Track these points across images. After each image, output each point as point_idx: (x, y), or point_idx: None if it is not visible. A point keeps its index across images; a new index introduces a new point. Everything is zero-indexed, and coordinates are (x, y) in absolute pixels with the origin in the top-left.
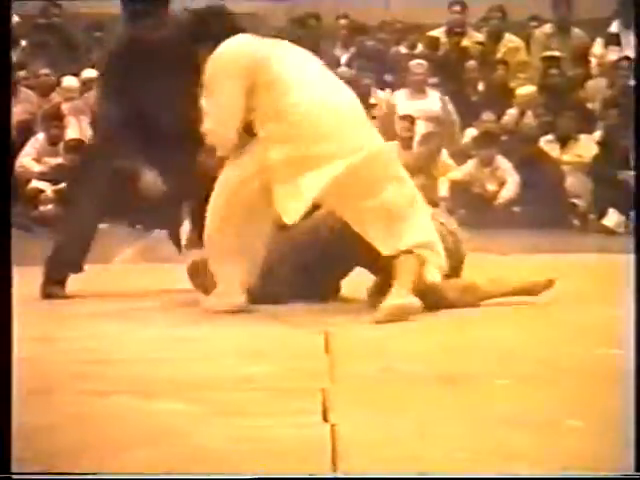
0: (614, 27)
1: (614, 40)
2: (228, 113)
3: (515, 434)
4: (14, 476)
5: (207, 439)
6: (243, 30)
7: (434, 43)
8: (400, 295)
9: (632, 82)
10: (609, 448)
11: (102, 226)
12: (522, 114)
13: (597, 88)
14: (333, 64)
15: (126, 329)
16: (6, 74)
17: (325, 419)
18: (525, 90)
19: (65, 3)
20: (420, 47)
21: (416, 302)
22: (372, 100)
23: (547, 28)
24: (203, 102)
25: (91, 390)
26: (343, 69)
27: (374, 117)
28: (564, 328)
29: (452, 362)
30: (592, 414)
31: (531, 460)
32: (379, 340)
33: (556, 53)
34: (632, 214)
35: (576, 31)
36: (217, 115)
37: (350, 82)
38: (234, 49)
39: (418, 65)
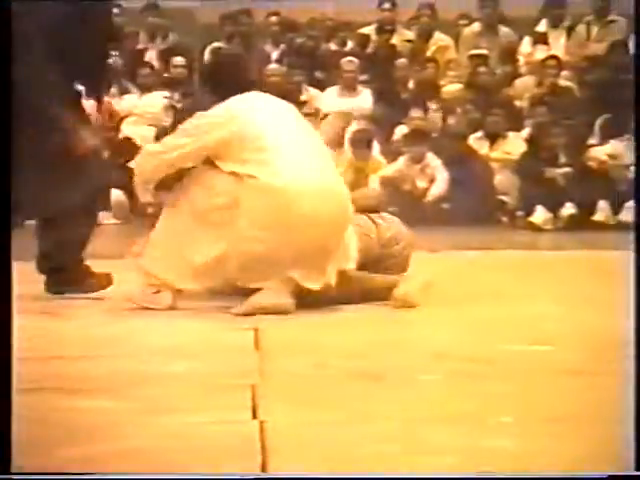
0: (542, 26)
1: (542, 39)
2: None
3: (444, 429)
4: (14, 476)
5: (136, 436)
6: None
7: (364, 40)
8: (271, 296)
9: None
10: (540, 445)
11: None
12: (451, 112)
13: (525, 86)
14: (264, 61)
15: (53, 326)
16: (6, 73)
17: (254, 416)
18: (452, 88)
19: None
20: (350, 44)
21: (288, 303)
22: (303, 97)
23: (475, 27)
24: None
25: (15, 387)
26: (274, 66)
27: (306, 114)
28: (494, 325)
29: (382, 358)
30: (522, 410)
31: (459, 455)
32: (310, 336)
33: (483, 51)
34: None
35: (504, 30)
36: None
37: (281, 79)
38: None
39: (349, 62)
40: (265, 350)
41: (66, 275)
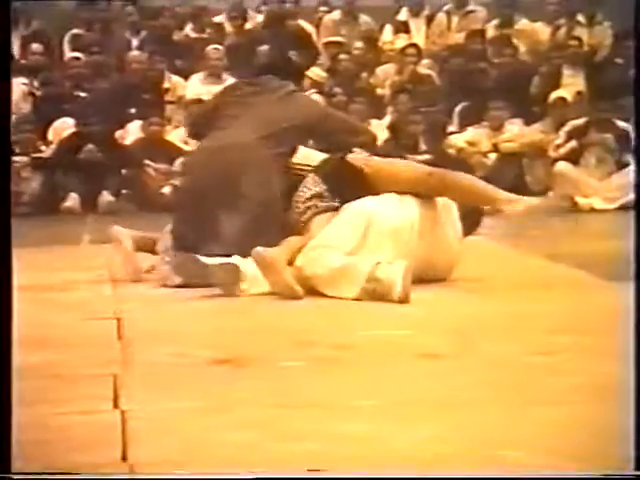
0: (403, 15)
1: (402, 27)
2: None
3: (303, 416)
4: (14, 476)
5: None
6: None
7: (220, 28)
8: None
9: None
10: (396, 428)
11: None
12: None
13: (386, 74)
14: (125, 48)
15: None
16: (6, 73)
17: (116, 406)
18: (316, 72)
19: None
20: (208, 31)
21: None
22: (166, 85)
23: (336, 14)
24: None
25: None
26: (135, 53)
27: (171, 102)
28: (360, 313)
29: (244, 346)
30: (386, 396)
31: (317, 441)
32: (172, 325)
33: (338, 39)
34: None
35: (365, 18)
36: None
37: (143, 66)
38: None
39: (215, 50)
40: (128, 339)
41: None
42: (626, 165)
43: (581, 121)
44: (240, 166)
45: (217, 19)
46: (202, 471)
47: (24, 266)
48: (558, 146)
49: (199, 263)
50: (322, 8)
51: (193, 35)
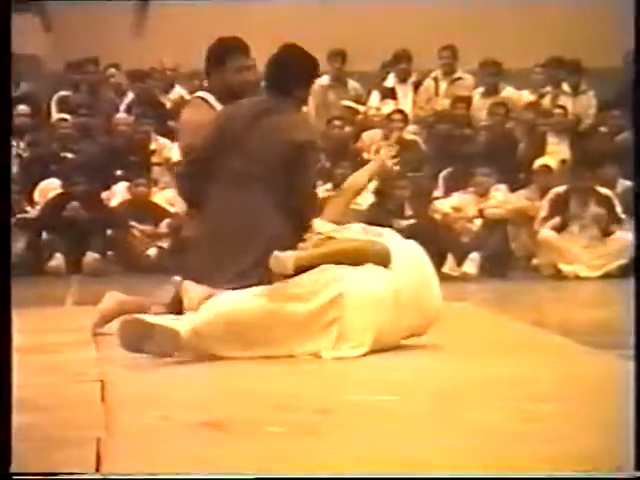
0: (390, 81)
1: (390, 93)
2: None
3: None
4: (14, 476)
5: None
6: None
7: None
8: None
9: (407, 134)
10: None
11: None
12: None
13: (372, 139)
14: (112, 110)
15: None
16: (6, 74)
17: (98, 469)
18: None
19: None
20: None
21: None
22: (153, 146)
23: (324, 80)
24: None
25: None
26: (122, 115)
27: (157, 164)
28: (341, 378)
29: (228, 410)
30: (368, 461)
31: None
32: (156, 388)
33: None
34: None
35: (353, 83)
36: None
37: (129, 128)
38: None
39: None
40: (111, 402)
41: None
42: (610, 233)
43: (563, 188)
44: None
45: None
46: (202, 471)
47: None
48: (544, 218)
49: (144, 324)
50: None
51: (180, 97)
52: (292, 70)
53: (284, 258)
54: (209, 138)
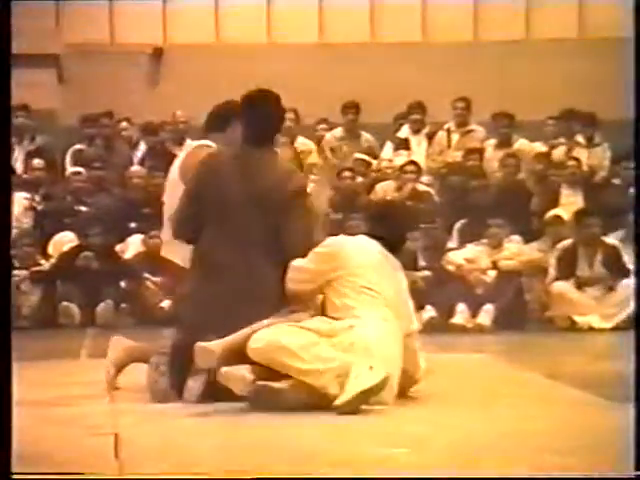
0: (403, 132)
1: (403, 144)
2: None
3: None
4: (14, 476)
5: None
6: None
7: None
8: None
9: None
10: None
11: None
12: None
13: (385, 190)
14: (126, 163)
15: None
16: (6, 75)
17: None
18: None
19: None
20: None
21: None
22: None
23: (338, 132)
24: None
25: None
26: (136, 168)
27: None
28: (358, 429)
29: (243, 462)
30: None
31: None
32: (169, 441)
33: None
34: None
35: (366, 135)
36: None
37: (143, 181)
38: None
39: None
40: (124, 455)
41: None
42: (621, 281)
43: (570, 242)
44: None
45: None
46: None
47: (22, 380)
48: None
49: None
50: (322, 126)
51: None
52: (269, 119)
53: (210, 349)
54: (193, 187)
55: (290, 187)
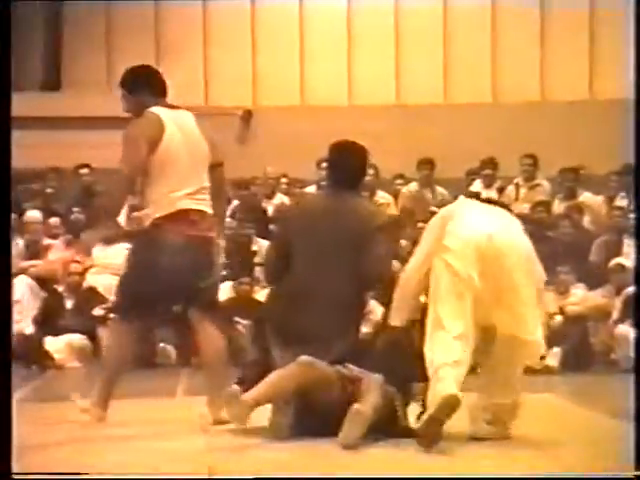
0: (476, 186)
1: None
2: None
3: None
4: (14, 476)
5: None
6: None
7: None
8: None
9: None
10: None
11: None
12: None
13: None
14: None
15: None
16: (6, 73)
17: None
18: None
19: None
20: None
21: None
22: (254, 247)
23: (413, 186)
24: None
25: None
26: (228, 220)
27: (259, 264)
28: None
29: None
30: None
31: None
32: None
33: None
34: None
35: (440, 189)
36: None
37: (233, 232)
38: None
39: None
40: None
41: None
42: None
43: (632, 289)
44: None
45: (308, 189)
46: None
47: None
48: (619, 317)
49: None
50: (399, 180)
51: (282, 203)
52: (357, 165)
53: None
54: (283, 234)
55: (375, 222)
